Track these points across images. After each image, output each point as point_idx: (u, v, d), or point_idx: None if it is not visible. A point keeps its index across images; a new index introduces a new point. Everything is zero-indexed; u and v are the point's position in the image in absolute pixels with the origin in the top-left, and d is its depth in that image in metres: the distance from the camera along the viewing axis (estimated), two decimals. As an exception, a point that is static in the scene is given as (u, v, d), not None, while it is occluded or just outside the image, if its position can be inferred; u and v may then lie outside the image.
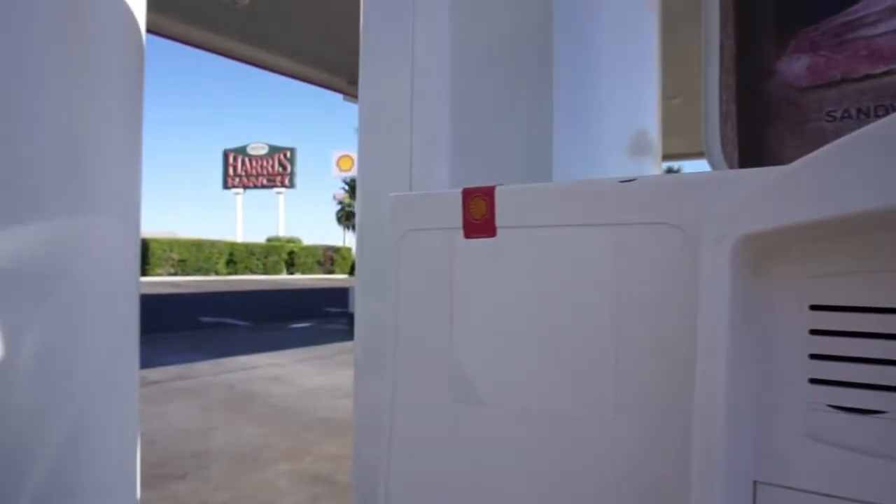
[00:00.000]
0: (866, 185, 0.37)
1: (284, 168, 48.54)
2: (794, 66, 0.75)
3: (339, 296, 18.31)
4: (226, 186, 49.65)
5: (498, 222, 0.62)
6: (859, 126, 0.73)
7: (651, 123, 1.32)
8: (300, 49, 7.62)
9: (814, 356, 0.45)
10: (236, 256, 38.11)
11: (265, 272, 39.51)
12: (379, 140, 0.78)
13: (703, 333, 0.45)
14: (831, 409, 0.44)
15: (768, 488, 0.44)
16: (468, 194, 0.63)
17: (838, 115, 0.71)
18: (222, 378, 8.04)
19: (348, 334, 12.89)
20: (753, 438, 0.45)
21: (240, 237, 45.76)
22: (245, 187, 49.30)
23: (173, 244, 34.08)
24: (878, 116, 0.70)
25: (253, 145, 49.48)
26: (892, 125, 0.36)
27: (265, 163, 48.72)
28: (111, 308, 1.68)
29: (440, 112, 0.73)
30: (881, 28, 0.70)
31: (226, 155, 49.59)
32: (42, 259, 1.52)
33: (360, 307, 0.79)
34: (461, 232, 0.64)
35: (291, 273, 41.52)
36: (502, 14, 0.88)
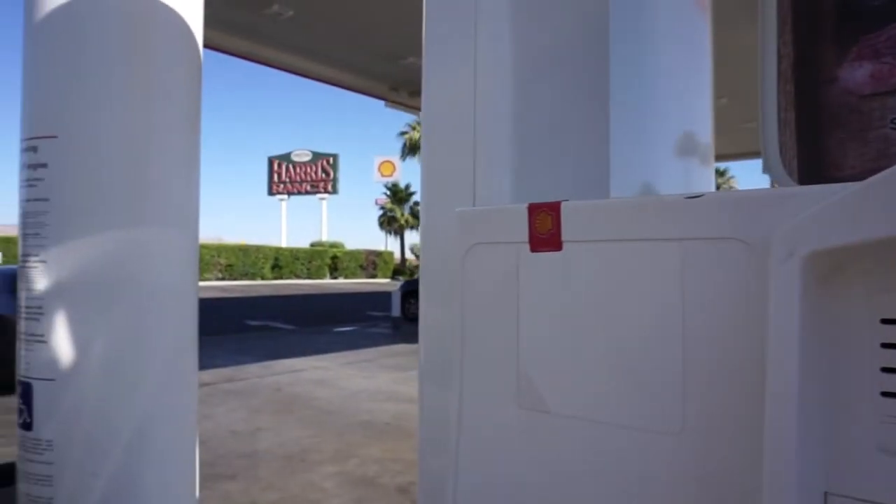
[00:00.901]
0: None
1: (327, 174, 49.34)
2: (856, 74, 0.74)
3: (382, 299, 18.48)
4: (271, 193, 50.78)
5: (564, 237, 0.64)
6: (925, 133, 0.72)
7: (705, 126, 1.31)
8: (343, 57, 7.75)
9: (886, 369, 0.45)
10: (281, 261, 38.88)
11: (309, 276, 40.18)
12: (442, 154, 0.80)
13: (774, 347, 0.46)
14: (905, 422, 0.44)
15: (839, 500, 0.45)
16: (534, 209, 0.65)
17: (904, 122, 0.70)
18: (269, 380, 8.23)
19: (391, 338, 13.01)
20: (824, 450, 0.45)
21: (284, 242, 46.72)
22: (289, 193, 50.31)
23: (221, 249, 35.01)
24: (945, 123, 0.69)
25: (297, 152, 50.47)
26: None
27: (308, 169, 49.62)
28: (173, 314, 1.76)
29: (502, 125, 0.75)
30: (949, 33, 0.69)
31: (270, 162, 50.73)
32: (109, 268, 1.60)
33: (425, 317, 0.81)
34: (527, 246, 0.66)
35: (335, 277, 42.13)
36: (560, 24, 0.89)
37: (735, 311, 0.52)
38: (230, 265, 35.31)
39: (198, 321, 1.91)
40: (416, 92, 8.87)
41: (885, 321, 0.45)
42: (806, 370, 0.45)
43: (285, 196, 50.49)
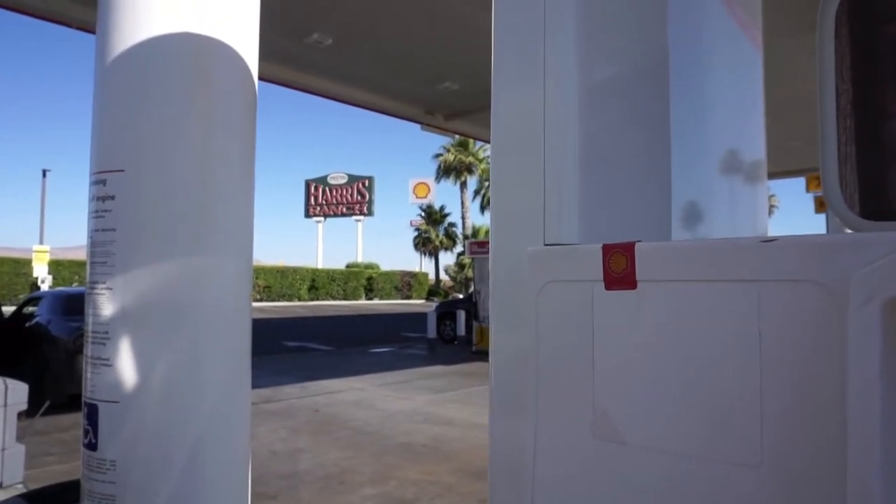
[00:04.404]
0: None
1: (363, 196, 49.99)
2: (917, 109, 0.75)
3: (417, 320, 18.53)
4: (307, 215, 51.66)
5: (638, 276, 0.66)
6: None
7: (759, 148, 1.32)
8: (380, 82, 7.91)
9: (964, 410, 0.45)
10: (318, 282, 39.38)
11: (345, 297, 40.56)
12: (512, 189, 0.83)
13: (854, 394, 0.47)
14: None
15: None
16: (609, 249, 0.68)
17: (967, 157, 0.71)
18: (308, 401, 8.31)
19: (426, 359, 13.01)
20: None
21: (320, 264, 47.33)
22: (326, 216, 51.09)
23: (259, 271, 35.65)
24: None
25: (333, 175, 51.32)
26: None
27: (344, 191, 50.37)
28: (228, 339, 1.81)
29: (569, 161, 0.78)
30: None
31: (307, 185, 51.70)
32: (170, 295, 1.67)
33: (496, 348, 0.84)
34: (602, 284, 0.69)
35: (370, 298, 42.43)
36: (623, 58, 0.92)
37: (812, 353, 0.54)
38: (268, 286, 35.89)
39: (251, 345, 1.97)
40: (451, 115, 8.99)
41: (964, 363, 0.46)
42: (888, 412, 0.46)
43: (322, 218, 51.27)
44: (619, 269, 0.67)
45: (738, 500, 0.58)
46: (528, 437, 0.71)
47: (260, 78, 2.00)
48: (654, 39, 0.96)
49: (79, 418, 1.81)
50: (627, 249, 0.66)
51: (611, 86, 0.89)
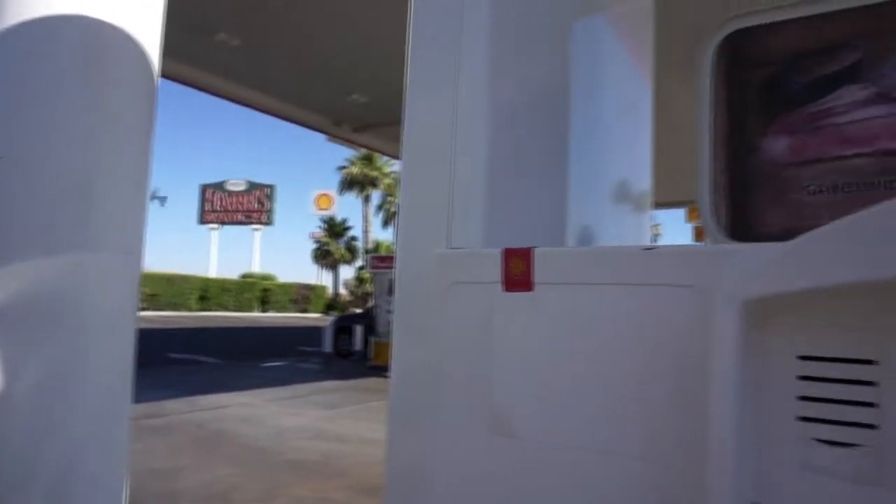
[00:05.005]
0: (847, 263, 0.47)
1: (262, 205, 48.43)
2: (776, 145, 0.85)
3: (313, 334, 18.09)
4: (201, 221, 49.30)
5: (535, 279, 0.71)
6: (832, 200, 0.84)
7: (645, 175, 1.44)
8: (287, 90, 7.76)
9: (801, 398, 0.53)
10: (209, 292, 37.55)
11: (238, 309, 38.92)
12: (420, 197, 0.87)
13: (714, 379, 0.54)
14: (817, 442, 0.52)
15: None
16: (509, 253, 0.72)
17: (814, 190, 0.82)
18: (192, 417, 7.88)
19: (321, 374, 12.73)
20: (754, 467, 0.53)
21: (213, 273, 45.21)
22: (222, 223, 48.97)
23: (145, 278, 33.43)
24: (846, 193, 0.81)
25: (231, 181, 49.37)
26: (864, 219, 0.46)
27: (243, 199, 48.56)
28: (111, 341, 1.71)
29: (477, 172, 0.83)
30: (849, 117, 0.81)
31: (203, 190, 49.39)
32: (49, 292, 1.56)
33: (398, 359, 0.86)
34: (501, 286, 0.73)
35: (265, 310, 40.97)
36: (531, 80, 0.99)
37: (686, 348, 0.61)
38: (154, 295, 33.78)
39: (134, 350, 1.87)
40: (359, 128, 8.96)
41: (801, 357, 0.53)
42: (741, 400, 0.53)
43: (217, 225, 49.10)
44: (518, 272, 0.72)
45: (625, 489, 0.64)
46: (427, 443, 0.74)
47: (162, 75, 1.92)
48: (558, 65, 1.04)
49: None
50: (526, 254, 0.71)
51: (518, 105, 0.95)
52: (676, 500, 0.59)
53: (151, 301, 33.46)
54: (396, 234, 0.89)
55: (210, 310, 36.88)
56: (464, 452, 0.74)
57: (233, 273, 47.01)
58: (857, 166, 0.80)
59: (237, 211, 48.75)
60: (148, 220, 1.91)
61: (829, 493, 0.50)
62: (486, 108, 0.86)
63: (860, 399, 0.50)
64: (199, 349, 16.29)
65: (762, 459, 0.53)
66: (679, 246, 0.66)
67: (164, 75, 6.72)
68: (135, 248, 1.83)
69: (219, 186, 49.28)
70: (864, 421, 0.50)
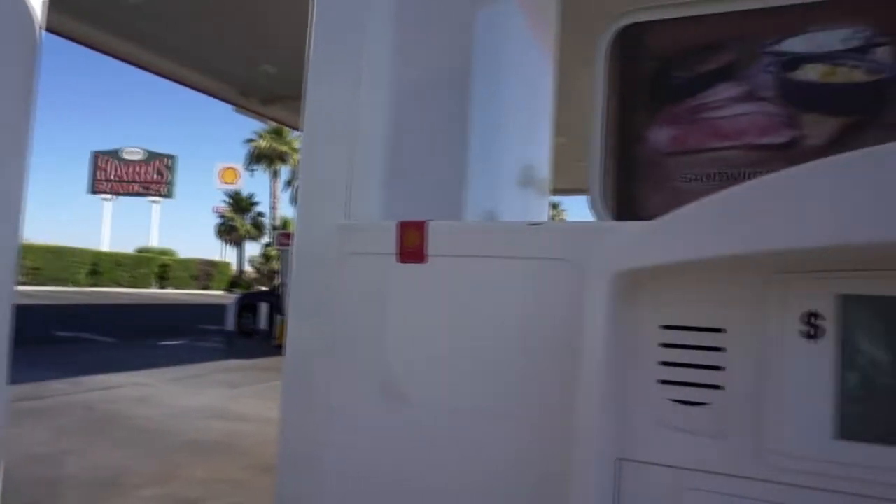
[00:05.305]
0: (699, 242, 0.52)
1: (162, 175, 45.77)
2: (660, 135, 0.92)
3: (216, 312, 17.42)
4: (93, 191, 45.99)
5: (428, 251, 0.74)
6: (706, 187, 0.91)
7: (543, 160, 1.50)
8: (192, 56, 7.36)
9: (662, 363, 0.59)
10: (101, 267, 35.23)
11: (134, 285, 36.80)
12: (321, 169, 0.87)
13: (585, 345, 0.59)
14: (674, 402, 0.58)
15: (628, 463, 0.58)
16: (404, 226, 0.74)
17: (690, 177, 0.89)
18: (80, 398, 7.41)
19: (223, 353, 12.32)
20: (618, 426, 0.58)
21: (106, 246, 42.40)
22: (116, 193, 45.88)
23: (26, 250, 30.91)
24: (719, 181, 0.89)
25: (128, 149, 46.26)
26: (722, 200, 0.51)
27: (141, 169, 45.67)
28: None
29: (377, 146, 0.84)
30: (724, 112, 0.89)
31: (95, 157, 45.95)
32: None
33: (293, 333, 0.86)
34: (396, 257, 0.75)
35: (163, 287, 38.97)
36: (433, 57, 1.00)
37: (561, 316, 0.65)
38: (37, 269, 31.27)
39: (11, 326, 1.74)
40: (268, 100, 8.65)
41: (663, 326, 0.59)
42: (608, 364, 0.58)
43: (111, 196, 45.99)
44: (412, 245, 0.74)
45: (505, 447, 0.68)
46: (320, 415, 0.76)
47: (51, 31, 1.78)
48: (461, 47, 1.07)
49: None
50: (420, 226, 0.74)
51: (420, 83, 0.97)
52: (551, 456, 0.65)
53: (34, 275, 30.93)
54: (297, 208, 0.89)
55: (101, 285, 34.63)
56: (357, 422, 0.76)
57: (129, 247, 44.31)
58: (726, 157, 0.87)
59: (134, 181, 45.82)
60: (30, 188, 1.76)
61: (682, 446, 0.57)
62: (388, 85, 0.87)
63: (711, 363, 0.56)
64: (88, 327, 15.30)
65: (626, 419, 0.59)
66: (560, 223, 0.71)
67: (50, 29, 6.19)
68: (12, 217, 1.70)
69: (113, 154, 46.05)
70: (713, 382, 0.56)
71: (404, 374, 0.74)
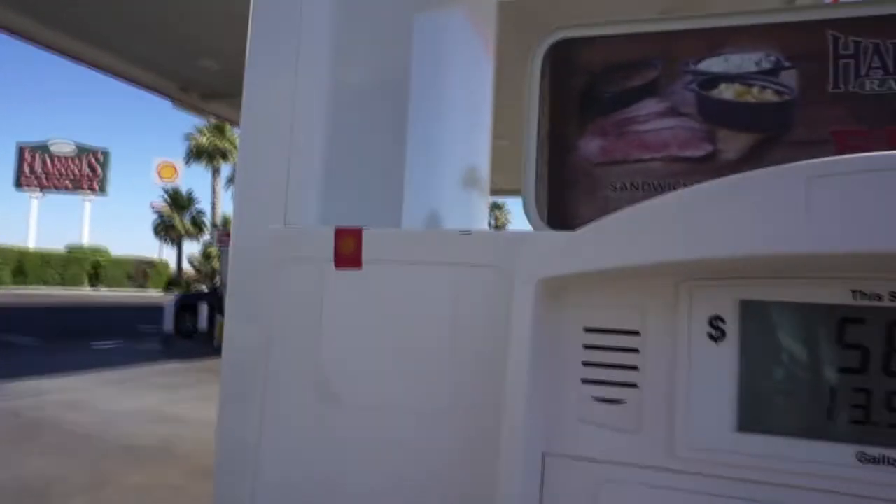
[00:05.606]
0: (616, 251, 0.57)
1: (94, 171, 43.79)
2: (590, 146, 0.97)
3: (153, 313, 16.82)
4: (18, 186, 43.57)
5: (364, 257, 0.76)
6: (633, 196, 0.97)
7: (483, 163, 1.54)
8: (128, 48, 7.09)
9: (584, 363, 0.64)
10: (27, 266, 33.46)
11: (63, 285, 35.10)
12: (257, 174, 0.88)
13: (512, 347, 0.63)
14: (595, 400, 0.63)
15: (553, 458, 0.63)
16: (340, 232, 0.77)
17: (618, 187, 0.95)
18: (5, 405, 7.04)
19: (161, 354, 11.94)
20: (544, 423, 0.62)
21: (33, 244, 40.26)
22: (44, 188, 43.62)
23: (-58, 248, 29.07)
24: (644, 191, 0.94)
25: (57, 142, 44.03)
26: (636, 213, 0.56)
27: (71, 163, 43.54)
28: None
29: (314, 151, 0.86)
30: (648, 126, 0.95)
31: (21, 150, 43.52)
32: None
33: (231, 336, 0.87)
34: (332, 263, 0.77)
35: (96, 287, 37.33)
36: (371, 62, 1.03)
37: (490, 320, 0.69)
38: (-46, 267, 29.49)
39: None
40: (209, 96, 8.42)
41: (586, 329, 0.64)
42: (534, 365, 0.62)
43: (39, 192, 43.70)
44: (348, 251, 0.77)
45: (435, 442, 0.72)
46: (257, 418, 0.77)
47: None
48: (401, 52, 1.09)
49: None
50: (356, 233, 0.77)
51: (358, 89, 0.99)
52: (479, 451, 0.68)
53: (-49, 275, 29.16)
54: (233, 211, 0.89)
55: (28, 285, 32.90)
56: (293, 423, 0.78)
57: (59, 245, 42.18)
58: (650, 169, 0.93)
59: (64, 177, 43.67)
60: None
61: (602, 441, 0.61)
62: (326, 89, 0.89)
63: (627, 363, 0.61)
64: (12, 329, 14.52)
65: (550, 416, 0.63)
66: (489, 231, 0.75)
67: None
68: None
69: (41, 147, 43.78)
70: (629, 381, 0.61)
71: (339, 376, 0.77)
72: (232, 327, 0.86)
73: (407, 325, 0.75)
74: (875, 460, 0.54)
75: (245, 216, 0.87)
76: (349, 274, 0.77)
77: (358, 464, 0.74)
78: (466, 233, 0.73)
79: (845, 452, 0.55)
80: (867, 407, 0.56)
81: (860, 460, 0.55)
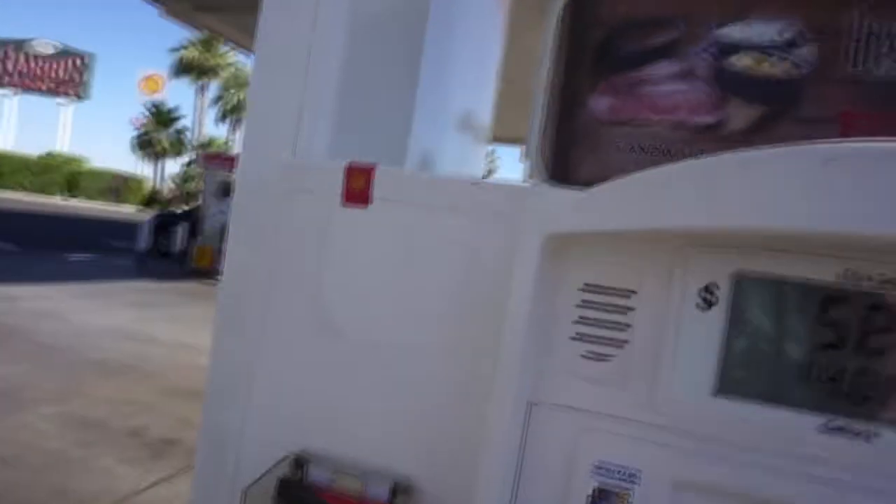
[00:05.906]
0: (621, 214, 0.58)
1: (77, 75, 42.23)
2: (600, 104, 0.96)
3: (128, 230, 16.60)
4: (-6, 84, 41.94)
5: (374, 195, 0.76)
6: (636, 159, 0.97)
7: (486, 110, 1.53)
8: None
9: (578, 320, 0.66)
10: (3, 168, 32.64)
11: (38, 192, 34.37)
12: (270, 103, 0.86)
13: (513, 297, 0.64)
14: (584, 356, 0.65)
15: (538, 406, 0.65)
16: (351, 169, 0.76)
17: (623, 147, 0.94)
18: (-27, 308, 7.00)
19: (135, 272, 11.86)
20: (534, 374, 0.65)
21: (9, 146, 39.14)
22: (22, 89, 42.05)
23: (-87, 142, 28.10)
24: (651, 153, 0.94)
25: (38, 41, 42.20)
26: (643, 179, 0.57)
27: (52, 65, 41.86)
28: None
29: (329, 86, 0.84)
30: (660, 88, 0.94)
31: (-2, 46, 41.77)
32: None
33: (231, 260, 0.87)
34: (340, 199, 0.77)
35: (70, 197, 36.62)
36: (389, 4, 1.00)
37: (493, 267, 0.70)
38: (-77, 165, 28.63)
39: None
40: (202, 7, 8.07)
41: (584, 286, 0.65)
42: (532, 317, 0.64)
43: (16, 91, 42.13)
44: (358, 188, 0.76)
45: (429, 380, 0.74)
46: (253, 342, 0.79)
47: None
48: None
49: None
50: (368, 171, 0.76)
51: (375, 25, 0.96)
52: (471, 393, 0.71)
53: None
54: (243, 138, 0.87)
55: (4, 189, 32.19)
56: (290, 353, 0.79)
57: (34, 150, 41.01)
58: (658, 132, 0.93)
59: (43, 78, 42.06)
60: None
61: (586, 395, 0.64)
62: (344, 24, 0.87)
63: (620, 321, 0.63)
64: (-14, 232, 14.28)
65: (541, 368, 0.65)
66: (500, 182, 0.75)
67: None
68: None
69: (20, 45, 41.95)
70: (620, 338, 0.63)
71: (341, 310, 0.78)
72: (234, 252, 0.86)
73: (410, 266, 0.76)
74: (840, 430, 0.57)
75: (255, 144, 0.86)
76: (356, 211, 0.77)
77: (352, 398, 0.76)
78: (477, 183, 0.74)
79: (812, 421, 0.58)
80: (839, 381, 0.59)
81: (825, 429, 0.58)
